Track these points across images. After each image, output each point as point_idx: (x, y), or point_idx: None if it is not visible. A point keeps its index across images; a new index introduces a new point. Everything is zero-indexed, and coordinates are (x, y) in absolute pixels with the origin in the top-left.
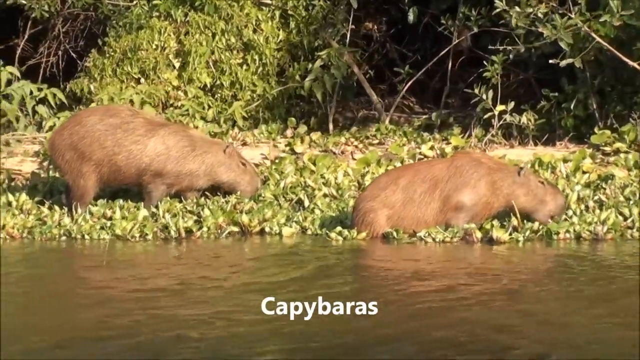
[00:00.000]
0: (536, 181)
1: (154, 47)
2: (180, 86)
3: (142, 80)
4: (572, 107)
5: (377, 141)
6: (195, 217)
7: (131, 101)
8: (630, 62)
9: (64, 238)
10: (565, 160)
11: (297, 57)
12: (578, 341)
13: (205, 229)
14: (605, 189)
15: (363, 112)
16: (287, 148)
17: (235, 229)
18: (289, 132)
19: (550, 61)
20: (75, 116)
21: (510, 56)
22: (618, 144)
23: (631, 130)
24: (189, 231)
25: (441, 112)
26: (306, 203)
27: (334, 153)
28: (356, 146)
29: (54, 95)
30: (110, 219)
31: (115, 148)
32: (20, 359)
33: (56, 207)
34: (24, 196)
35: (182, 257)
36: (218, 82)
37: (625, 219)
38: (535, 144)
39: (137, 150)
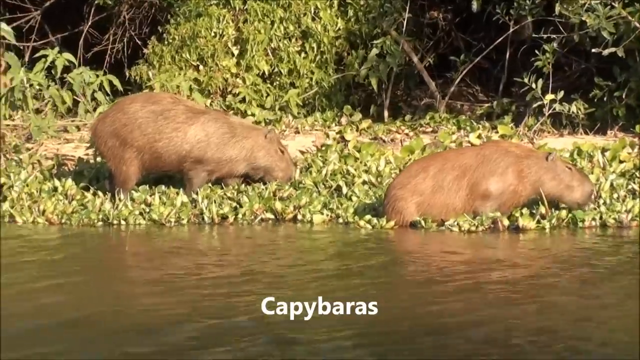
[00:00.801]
0: (563, 167)
1: (212, 34)
2: (238, 73)
3: (201, 67)
4: (623, 95)
5: (430, 129)
6: (234, 204)
7: (178, 87)
8: None
9: (100, 224)
10: (604, 150)
11: (355, 45)
12: None
13: (240, 215)
14: (639, 177)
15: (426, 101)
16: (338, 136)
17: (270, 215)
18: (343, 120)
19: (593, 50)
20: (118, 103)
21: (555, 45)
22: None
23: None
24: (224, 217)
25: (502, 100)
26: (344, 190)
27: (384, 141)
28: (407, 134)
29: (110, 82)
30: (150, 205)
31: (156, 135)
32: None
33: (100, 193)
34: (69, 182)
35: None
36: (276, 69)
37: None
38: (587, 133)
39: (178, 137)
